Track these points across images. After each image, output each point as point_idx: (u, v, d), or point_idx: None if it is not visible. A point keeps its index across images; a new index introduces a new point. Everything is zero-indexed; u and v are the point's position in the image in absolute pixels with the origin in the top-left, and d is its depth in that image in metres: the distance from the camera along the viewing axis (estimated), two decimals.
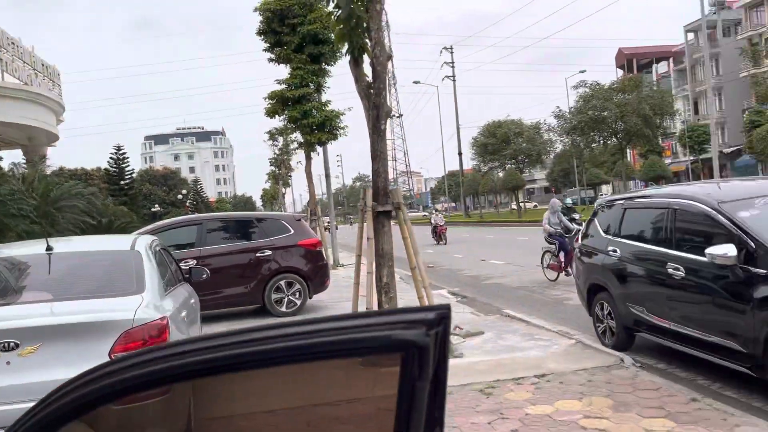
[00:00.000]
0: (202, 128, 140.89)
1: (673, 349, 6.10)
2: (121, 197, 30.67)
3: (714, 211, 5.35)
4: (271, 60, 18.12)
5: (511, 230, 35.33)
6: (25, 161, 24.06)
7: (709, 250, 5.05)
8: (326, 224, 22.09)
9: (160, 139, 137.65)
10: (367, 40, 7.06)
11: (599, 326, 7.18)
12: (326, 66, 18.19)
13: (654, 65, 67.17)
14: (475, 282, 14.31)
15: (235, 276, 10.22)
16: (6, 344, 3.40)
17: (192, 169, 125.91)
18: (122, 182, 33.81)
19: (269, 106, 18.55)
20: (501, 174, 56.78)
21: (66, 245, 4.64)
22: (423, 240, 26.99)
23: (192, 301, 5.55)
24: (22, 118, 19.73)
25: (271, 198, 74.35)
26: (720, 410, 4.60)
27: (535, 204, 75.20)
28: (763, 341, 4.63)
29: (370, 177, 7.26)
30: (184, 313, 4.73)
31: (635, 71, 60.28)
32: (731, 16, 57.34)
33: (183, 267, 6.87)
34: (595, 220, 7.61)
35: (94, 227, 19.37)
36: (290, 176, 47.32)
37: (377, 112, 6.94)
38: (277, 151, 40.50)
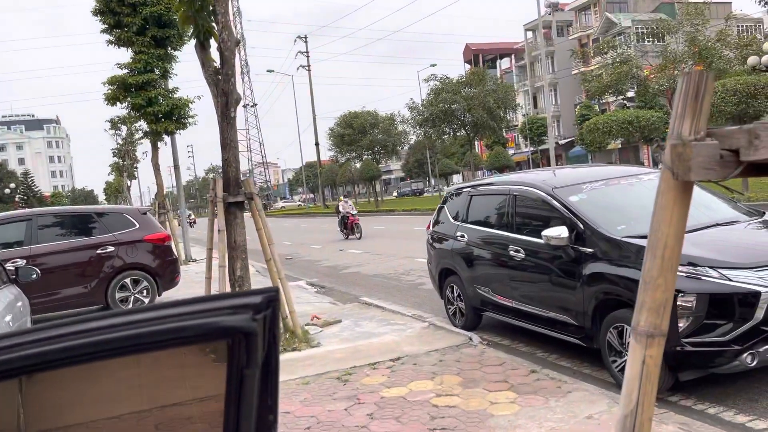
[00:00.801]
0: (33, 116, 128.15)
1: (517, 326, 6.54)
2: None
3: (549, 197, 5.79)
4: (110, 42, 16.83)
5: (369, 220, 36.04)
6: None
7: (545, 233, 5.46)
8: (186, 218, 21.04)
9: None
10: (214, 24, 6.78)
11: (450, 308, 7.52)
12: (173, 51, 17.26)
13: (498, 61, 71.59)
14: (334, 272, 14.41)
15: (73, 275, 9.43)
16: None
17: (21, 161, 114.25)
18: None
19: (109, 92, 17.23)
20: (358, 165, 57.66)
21: None
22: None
23: (19, 303, 5.02)
24: None
25: (116, 191, 69.55)
26: (556, 379, 5.01)
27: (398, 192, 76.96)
28: (591, 314, 5.10)
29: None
30: (8, 318, 4.25)
31: (482, 66, 63.86)
32: (564, 18, 62.58)
33: (9, 267, 6.20)
34: (445, 207, 7.94)
35: None
36: (136, 168, 44.55)
37: (226, 99, 6.71)
38: (120, 141, 37.88)
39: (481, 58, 71.83)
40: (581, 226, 5.30)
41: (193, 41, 7.04)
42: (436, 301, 8.34)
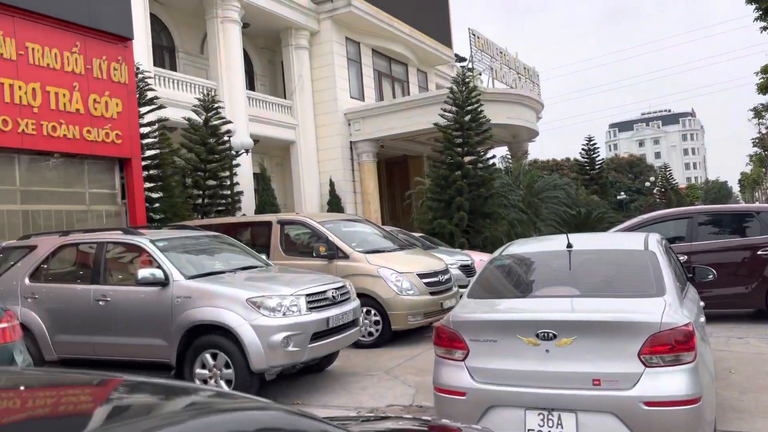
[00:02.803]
0: (669, 111, 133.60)
1: None
2: (592, 186, 31.46)
3: None
4: (764, 29, 15.75)
5: None
6: (509, 157, 27.11)
7: None
8: None
9: (624, 126, 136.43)
10: None
11: None
12: None
13: None
14: None
15: (729, 275, 9.23)
16: (546, 334, 3.79)
17: (657, 155, 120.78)
18: (592, 172, 34.58)
19: (762, 80, 16.20)
20: None
21: (582, 242, 4.90)
22: None
23: (702, 304, 5.23)
24: (509, 118, 22.12)
25: (753, 182, 65.56)
26: None
27: None
28: None
29: None
30: (702, 319, 4.48)
31: None
32: None
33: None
34: None
35: (573, 217, 20.35)
36: None
37: None
38: (764, 130, 35.26)
39: None
40: None
41: None
42: None
